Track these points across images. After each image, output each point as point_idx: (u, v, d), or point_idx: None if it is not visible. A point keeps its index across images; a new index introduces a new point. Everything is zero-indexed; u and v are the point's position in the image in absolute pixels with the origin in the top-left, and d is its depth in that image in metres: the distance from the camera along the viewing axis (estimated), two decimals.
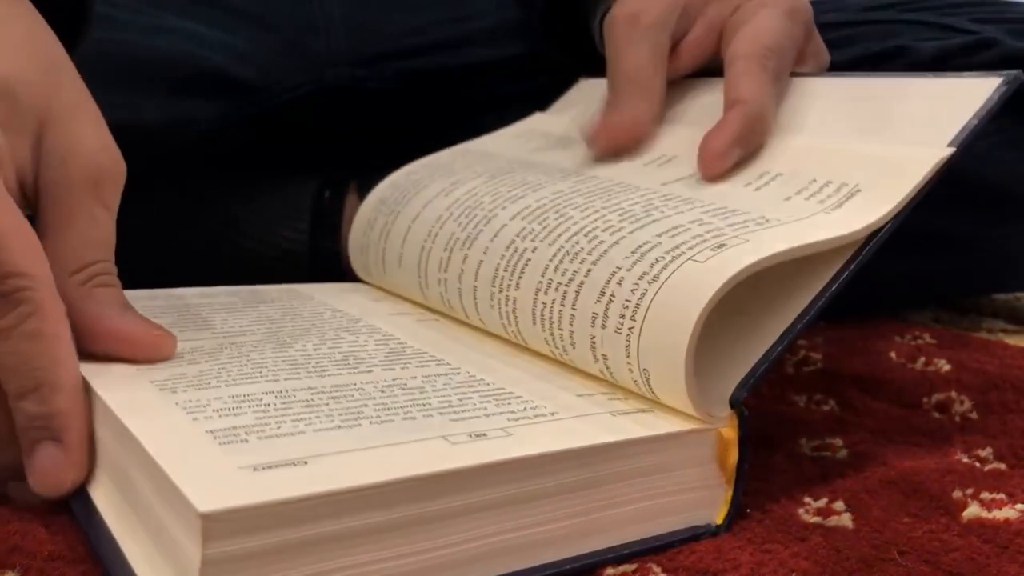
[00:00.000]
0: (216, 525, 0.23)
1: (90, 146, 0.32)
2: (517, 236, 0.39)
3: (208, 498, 0.24)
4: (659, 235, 0.34)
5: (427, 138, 0.62)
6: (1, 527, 0.30)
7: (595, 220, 0.37)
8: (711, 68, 0.48)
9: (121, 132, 0.52)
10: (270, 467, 0.26)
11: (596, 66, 0.56)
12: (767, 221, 0.35)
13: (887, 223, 0.34)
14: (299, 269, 0.56)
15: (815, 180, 0.38)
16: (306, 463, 0.26)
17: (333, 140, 0.62)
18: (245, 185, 0.56)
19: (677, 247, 0.33)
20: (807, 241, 0.32)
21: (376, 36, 0.60)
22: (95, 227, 0.32)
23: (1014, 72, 0.37)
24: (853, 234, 0.33)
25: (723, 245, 0.32)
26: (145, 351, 0.33)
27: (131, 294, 0.38)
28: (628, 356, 0.32)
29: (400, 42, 0.60)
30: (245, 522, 0.24)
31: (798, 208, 0.36)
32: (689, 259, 0.32)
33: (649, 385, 0.31)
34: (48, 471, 0.29)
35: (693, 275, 0.31)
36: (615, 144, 0.45)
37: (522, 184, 0.43)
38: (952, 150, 0.35)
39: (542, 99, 0.57)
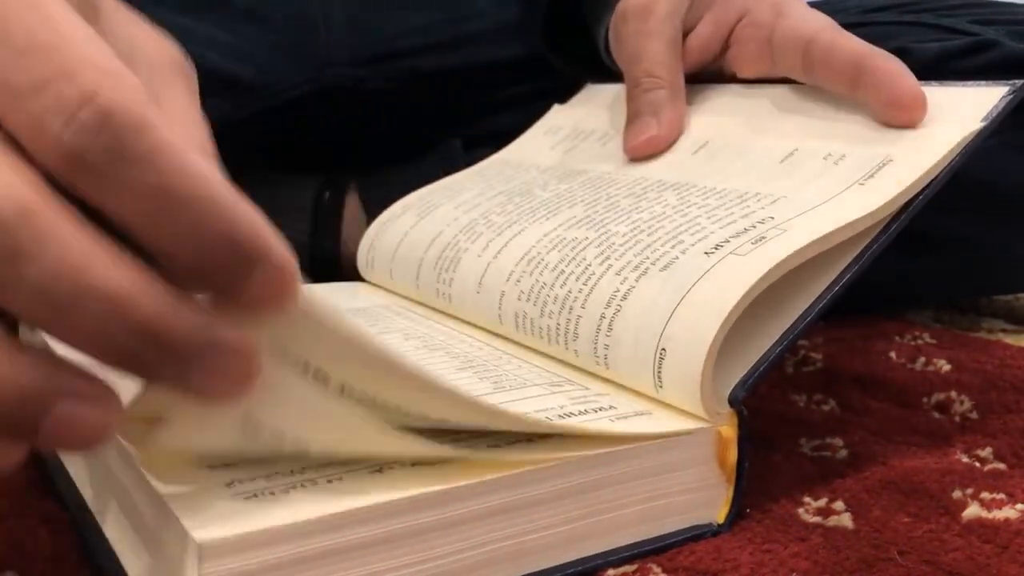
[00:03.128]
0: (214, 551, 0.23)
1: (154, 35, 0.26)
2: (564, 229, 0.40)
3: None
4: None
5: (427, 138, 0.62)
6: (1, 526, 0.30)
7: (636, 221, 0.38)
8: (707, 75, 0.48)
9: None
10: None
11: (594, 75, 0.56)
12: (807, 202, 0.36)
13: (917, 195, 0.35)
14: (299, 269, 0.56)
15: (844, 156, 0.38)
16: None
17: (333, 140, 0.62)
18: (244, 185, 0.56)
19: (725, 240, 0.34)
20: (840, 224, 0.33)
21: (376, 36, 0.60)
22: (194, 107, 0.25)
23: (1020, 81, 0.37)
24: (888, 204, 0.34)
25: (763, 238, 0.33)
26: None
27: None
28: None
29: (400, 42, 0.60)
30: (243, 545, 0.24)
31: (834, 182, 0.37)
32: (730, 252, 0.33)
33: (659, 371, 0.32)
34: None
35: (735, 268, 0.32)
36: (654, 153, 0.45)
37: (569, 195, 0.44)
38: (983, 124, 0.36)
39: (543, 101, 0.57)
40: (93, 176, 0.20)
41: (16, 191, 0.19)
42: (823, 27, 0.43)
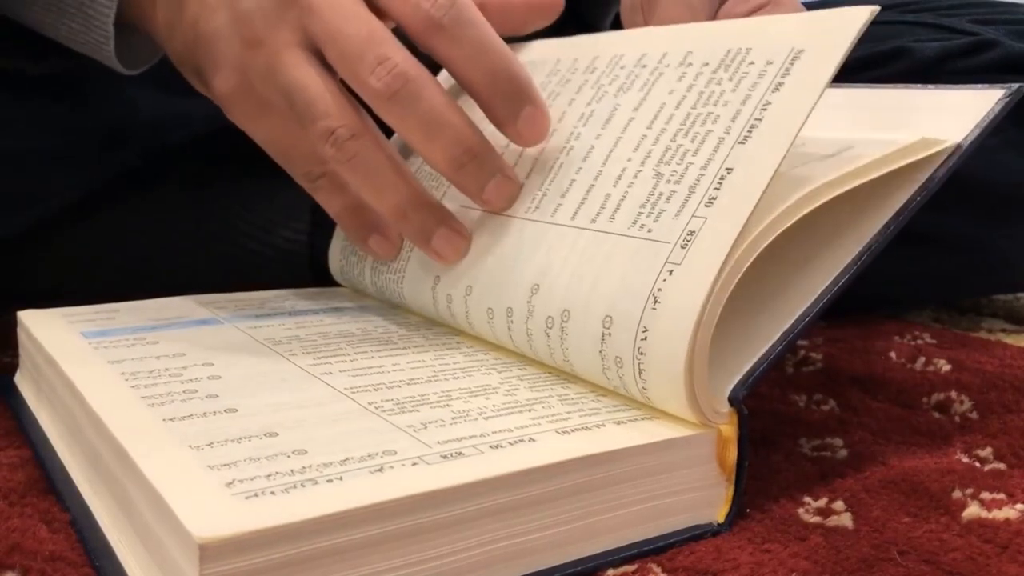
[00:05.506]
0: (214, 551, 0.23)
1: None
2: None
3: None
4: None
5: None
6: (1, 526, 0.30)
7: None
8: None
9: (117, 127, 0.53)
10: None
11: None
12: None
13: (913, 195, 0.34)
14: (299, 269, 0.56)
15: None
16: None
17: None
18: (245, 185, 0.56)
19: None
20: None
21: None
22: None
23: (1016, 85, 0.37)
24: (853, 175, 0.33)
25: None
26: None
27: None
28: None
29: (400, 40, 0.60)
30: (242, 545, 0.24)
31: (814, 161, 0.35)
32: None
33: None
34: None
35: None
36: None
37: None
38: (977, 132, 0.35)
39: None
40: (442, 33, 0.36)
41: (411, 63, 0.36)
42: None
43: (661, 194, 0.34)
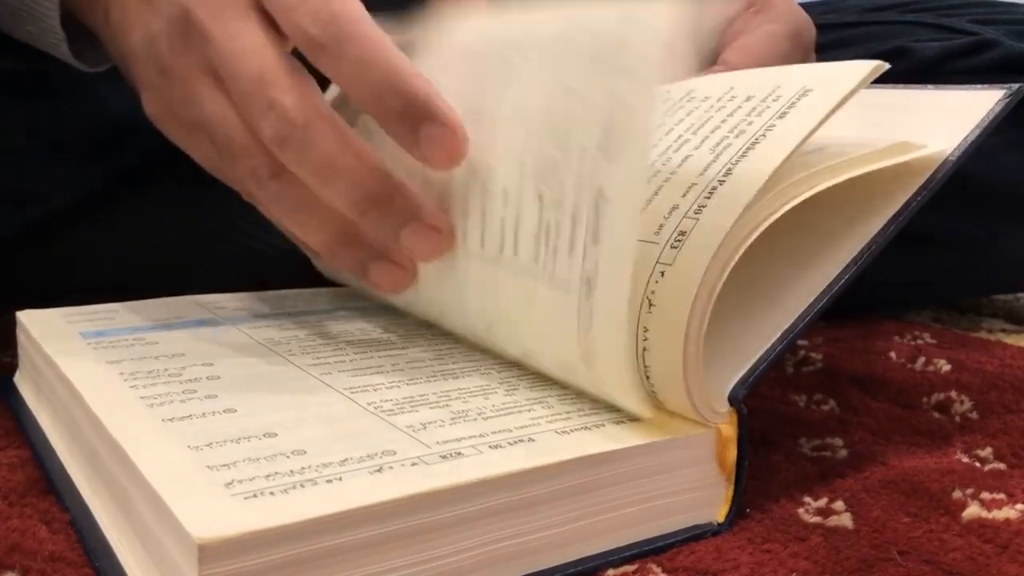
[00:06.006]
0: (213, 551, 0.23)
1: None
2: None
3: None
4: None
5: None
6: (1, 526, 0.30)
7: None
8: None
9: (117, 127, 0.53)
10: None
11: None
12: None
13: (914, 195, 0.34)
14: (299, 269, 0.56)
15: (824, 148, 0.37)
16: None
17: None
18: None
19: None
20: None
21: None
22: None
23: (1016, 85, 0.37)
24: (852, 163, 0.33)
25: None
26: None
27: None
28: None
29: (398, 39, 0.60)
30: (242, 545, 0.24)
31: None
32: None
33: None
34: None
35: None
36: None
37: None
38: (978, 131, 0.35)
39: None
40: (324, 52, 0.32)
41: (300, 106, 0.32)
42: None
43: (547, 222, 0.31)
